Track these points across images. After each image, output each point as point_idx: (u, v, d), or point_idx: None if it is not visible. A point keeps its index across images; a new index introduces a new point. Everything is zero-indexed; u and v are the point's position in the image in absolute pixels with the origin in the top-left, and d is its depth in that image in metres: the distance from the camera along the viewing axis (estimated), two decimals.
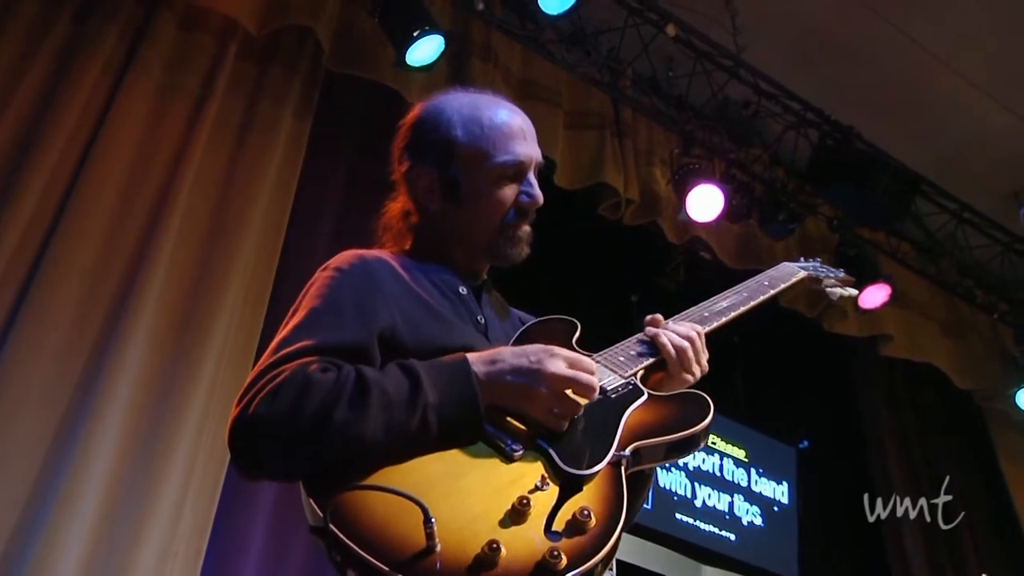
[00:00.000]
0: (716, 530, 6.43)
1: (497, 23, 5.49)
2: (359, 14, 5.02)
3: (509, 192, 1.96)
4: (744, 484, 6.77)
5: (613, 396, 1.78)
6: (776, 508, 6.84)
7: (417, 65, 4.76)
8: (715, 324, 2.09)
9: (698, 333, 1.97)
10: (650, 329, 1.96)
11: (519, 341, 1.90)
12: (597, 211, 5.70)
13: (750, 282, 2.34)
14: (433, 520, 1.36)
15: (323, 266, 1.89)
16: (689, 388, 1.90)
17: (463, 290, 1.97)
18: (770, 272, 2.46)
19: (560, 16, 5.25)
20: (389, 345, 1.73)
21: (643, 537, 6.04)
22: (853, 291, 2.86)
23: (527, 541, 1.42)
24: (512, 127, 1.99)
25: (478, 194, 1.95)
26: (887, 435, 7.19)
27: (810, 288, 2.72)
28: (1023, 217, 6.38)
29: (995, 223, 6.88)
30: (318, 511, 1.42)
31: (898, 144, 6.10)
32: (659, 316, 2.00)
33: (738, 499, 6.66)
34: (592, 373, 1.69)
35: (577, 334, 1.98)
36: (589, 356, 1.85)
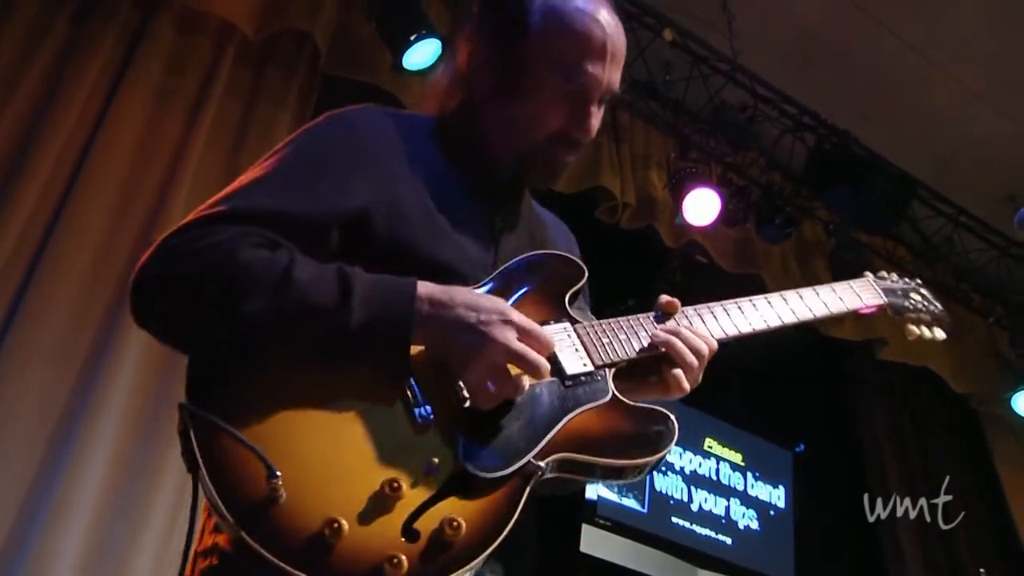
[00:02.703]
0: (712, 534, 6.44)
1: None
2: (356, 18, 5.03)
3: (563, 113, 1.65)
4: (740, 488, 6.79)
5: (569, 385, 1.52)
6: (772, 512, 6.86)
7: (414, 69, 4.76)
8: (744, 331, 1.81)
9: (711, 351, 1.68)
10: (660, 332, 1.66)
11: (501, 275, 1.63)
12: (594, 215, 5.71)
13: (806, 291, 1.97)
14: (278, 476, 1.22)
15: (329, 112, 1.66)
16: (662, 402, 1.60)
17: (485, 185, 1.70)
18: (842, 284, 2.08)
19: None
20: (358, 227, 1.52)
21: (638, 540, 6.05)
22: (940, 333, 2.30)
23: (376, 534, 1.25)
24: (594, 38, 1.64)
25: (528, 100, 1.66)
26: (883, 439, 7.20)
27: (891, 311, 2.22)
28: (1018, 222, 6.38)
29: (991, 227, 6.89)
30: (186, 411, 1.31)
31: (894, 148, 6.11)
32: (676, 302, 1.72)
33: (734, 503, 6.68)
34: (548, 350, 1.46)
35: (578, 285, 1.70)
36: (574, 322, 1.63)
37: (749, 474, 6.89)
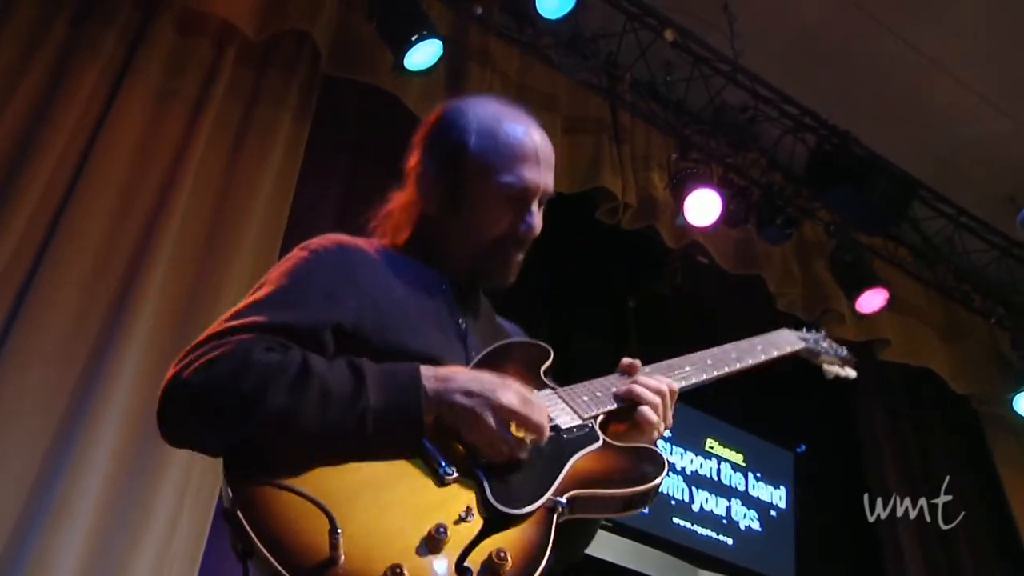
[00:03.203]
0: (713, 534, 6.43)
1: (495, 28, 5.49)
2: (357, 18, 5.02)
3: (507, 216, 1.89)
4: (741, 488, 6.77)
5: (566, 436, 1.72)
6: (773, 513, 6.84)
7: (415, 69, 4.76)
8: (695, 380, 2.05)
9: (671, 391, 1.91)
10: (622, 383, 1.91)
11: (482, 361, 1.82)
12: (595, 215, 5.71)
13: (742, 343, 2.29)
14: (340, 531, 1.32)
15: (301, 245, 1.83)
16: (646, 445, 1.83)
17: (448, 291, 1.91)
18: (766, 336, 2.42)
19: (558, 21, 5.25)
20: (351, 339, 1.68)
21: (640, 541, 6.04)
22: (851, 372, 2.75)
23: (434, 573, 1.36)
24: (526, 149, 1.91)
25: (475, 209, 1.89)
26: (884, 440, 7.19)
27: (807, 356, 2.65)
28: (1020, 222, 6.40)
29: (992, 228, 6.89)
30: (229, 494, 1.39)
31: (895, 149, 6.11)
32: (636, 362, 1.97)
33: (735, 503, 6.67)
34: (545, 413, 1.64)
35: (547, 363, 1.91)
36: (553, 389, 1.84)
37: (750, 474, 6.88)
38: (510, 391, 1.60)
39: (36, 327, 3.76)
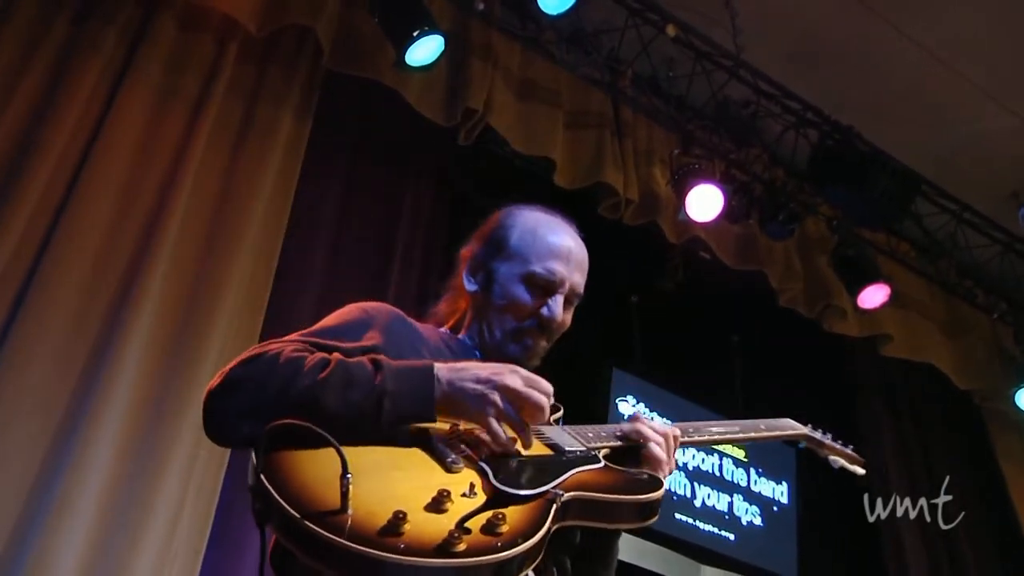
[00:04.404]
0: (715, 530, 6.43)
1: (497, 23, 5.48)
2: (359, 14, 5.00)
3: (533, 301, 2.09)
4: (743, 484, 6.77)
5: (567, 456, 1.84)
6: (775, 508, 6.84)
7: (416, 65, 4.75)
8: (696, 438, 2.22)
9: (674, 435, 2.06)
10: (627, 425, 2.05)
11: None
12: (596, 211, 5.69)
13: (747, 421, 2.46)
14: (349, 476, 1.42)
15: (357, 304, 2.04)
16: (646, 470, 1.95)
17: (479, 360, 2.04)
18: (770, 420, 2.56)
19: (560, 16, 5.24)
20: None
21: (642, 537, 6.04)
22: (860, 470, 2.77)
23: (437, 524, 1.45)
24: (560, 248, 2.13)
25: (504, 290, 2.11)
26: (886, 435, 7.18)
27: (809, 444, 2.73)
28: (1022, 218, 6.39)
29: (995, 223, 6.89)
30: (255, 467, 1.50)
31: (897, 144, 6.10)
32: (638, 414, 2.10)
33: (737, 499, 6.66)
34: (549, 392, 1.76)
35: (558, 415, 2.08)
36: (564, 426, 1.98)
37: (752, 470, 6.87)
38: (516, 375, 1.74)
39: (36, 327, 3.76)
